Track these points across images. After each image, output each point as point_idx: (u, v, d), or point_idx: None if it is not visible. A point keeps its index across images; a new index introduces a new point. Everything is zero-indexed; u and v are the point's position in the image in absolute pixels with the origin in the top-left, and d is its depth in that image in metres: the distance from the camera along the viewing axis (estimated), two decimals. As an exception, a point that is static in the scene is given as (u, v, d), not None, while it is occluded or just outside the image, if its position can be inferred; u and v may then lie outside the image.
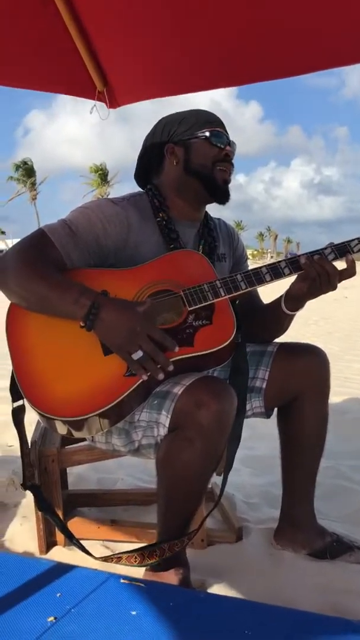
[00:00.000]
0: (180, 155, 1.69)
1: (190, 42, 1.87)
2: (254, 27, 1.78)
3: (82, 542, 1.57)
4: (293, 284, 1.62)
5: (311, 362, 1.75)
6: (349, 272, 1.56)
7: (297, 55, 1.90)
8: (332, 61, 1.93)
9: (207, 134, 1.67)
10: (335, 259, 1.57)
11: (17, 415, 1.61)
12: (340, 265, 1.58)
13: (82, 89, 2.07)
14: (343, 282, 1.59)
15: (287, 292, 1.66)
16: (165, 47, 1.89)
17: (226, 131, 1.72)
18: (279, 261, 1.59)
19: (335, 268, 1.55)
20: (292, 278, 1.61)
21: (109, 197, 1.84)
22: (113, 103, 2.04)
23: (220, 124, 1.72)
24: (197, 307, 1.53)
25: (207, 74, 1.97)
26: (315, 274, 1.54)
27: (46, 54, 1.96)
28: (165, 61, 1.95)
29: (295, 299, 1.64)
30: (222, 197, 1.71)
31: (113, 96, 2.04)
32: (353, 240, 1.57)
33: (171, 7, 1.72)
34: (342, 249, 1.56)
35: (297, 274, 1.58)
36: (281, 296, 1.69)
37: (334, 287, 1.57)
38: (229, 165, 1.70)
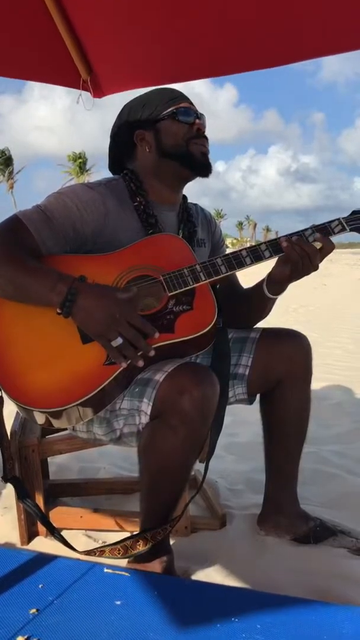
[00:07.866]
0: (152, 140, 1.66)
1: (175, 32, 1.83)
2: (238, 18, 1.75)
3: (65, 531, 1.55)
4: (275, 268, 1.61)
5: (294, 347, 1.74)
6: (328, 248, 1.55)
7: (283, 44, 1.87)
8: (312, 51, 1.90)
9: (174, 111, 1.64)
10: (315, 241, 1.55)
11: None
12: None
13: (66, 78, 2.03)
14: (322, 270, 1.58)
15: (269, 276, 1.64)
16: (151, 37, 1.86)
17: (192, 104, 1.69)
18: (259, 244, 1.57)
19: (314, 248, 1.54)
20: (273, 261, 1.59)
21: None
22: (98, 92, 2.01)
23: (185, 98, 1.68)
24: (177, 292, 1.50)
25: (193, 64, 1.93)
26: (297, 256, 1.53)
27: (29, 41, 1.92)
28: (151, 51, 1.92)
29: (277, 282, 1.63)
30: (204, 169, 1.68)
31: (98, 85, 2.00)
32: (333, 221, 1.56)
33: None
34: (323, 231, 1.55)
35: (278, 256, 1.56)
36: (263, 280, 1.66)
37: (315, 267, 1.56)
38: (203, 139, 1.67)
